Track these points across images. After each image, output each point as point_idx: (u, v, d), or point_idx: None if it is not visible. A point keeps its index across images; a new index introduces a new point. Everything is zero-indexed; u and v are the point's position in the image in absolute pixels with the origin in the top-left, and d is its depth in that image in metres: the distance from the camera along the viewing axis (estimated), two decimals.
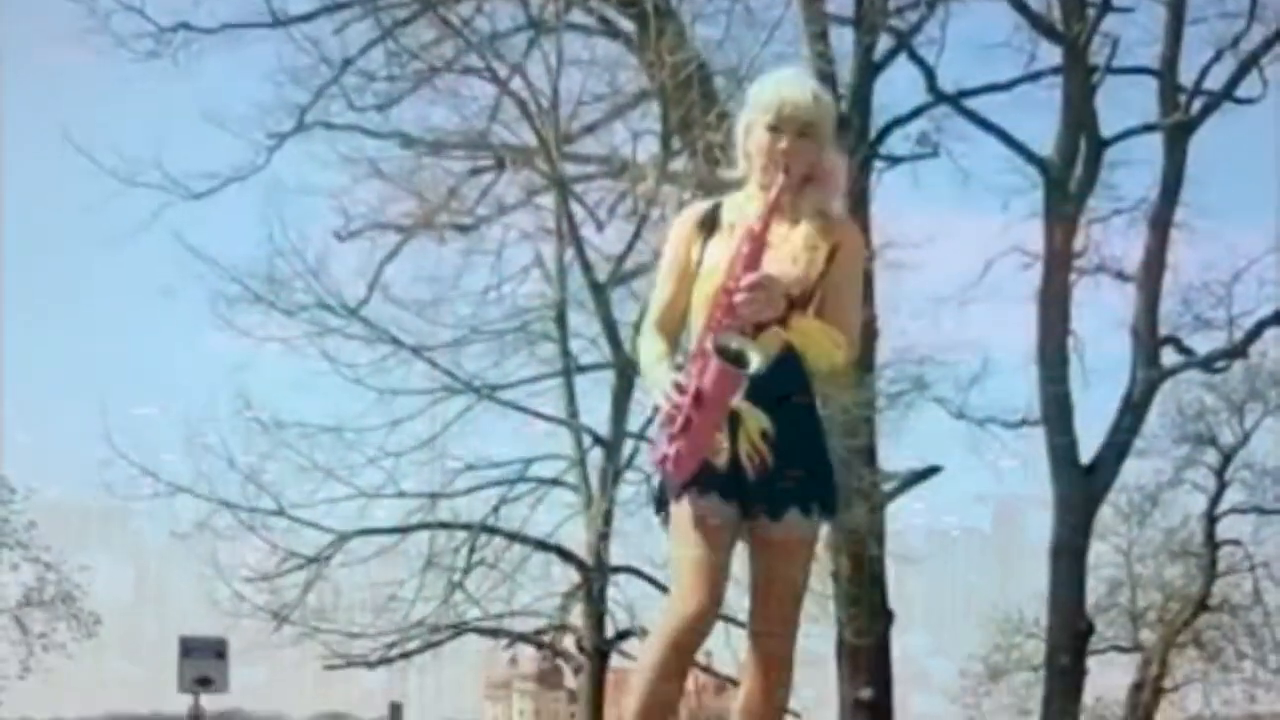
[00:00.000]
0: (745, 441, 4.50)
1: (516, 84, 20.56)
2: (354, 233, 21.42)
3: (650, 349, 4.66)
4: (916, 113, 25.13)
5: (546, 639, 21.27)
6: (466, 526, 20.74)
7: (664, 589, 20.48)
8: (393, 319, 20.66)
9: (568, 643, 21.45)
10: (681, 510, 4.54)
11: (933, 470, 24.07)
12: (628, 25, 21.42)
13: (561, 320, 20.56)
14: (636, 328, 16.78)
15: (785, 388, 4.53)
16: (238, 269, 20.45)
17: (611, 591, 20.54)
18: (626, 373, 19.59)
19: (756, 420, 4.49)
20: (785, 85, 4.65)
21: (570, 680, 26.26)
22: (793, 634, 4.70)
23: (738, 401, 4.43)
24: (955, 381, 24.98)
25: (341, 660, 20.63)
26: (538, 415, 20.92)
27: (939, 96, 24.88)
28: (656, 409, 4.51)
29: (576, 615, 20.65)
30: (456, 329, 20.80)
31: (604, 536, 20.10)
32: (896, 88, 25.31)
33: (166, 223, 21.07)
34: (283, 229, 20.27)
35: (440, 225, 21.14)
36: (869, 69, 24.40)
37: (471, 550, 20.50)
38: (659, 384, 4.49)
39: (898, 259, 23.34)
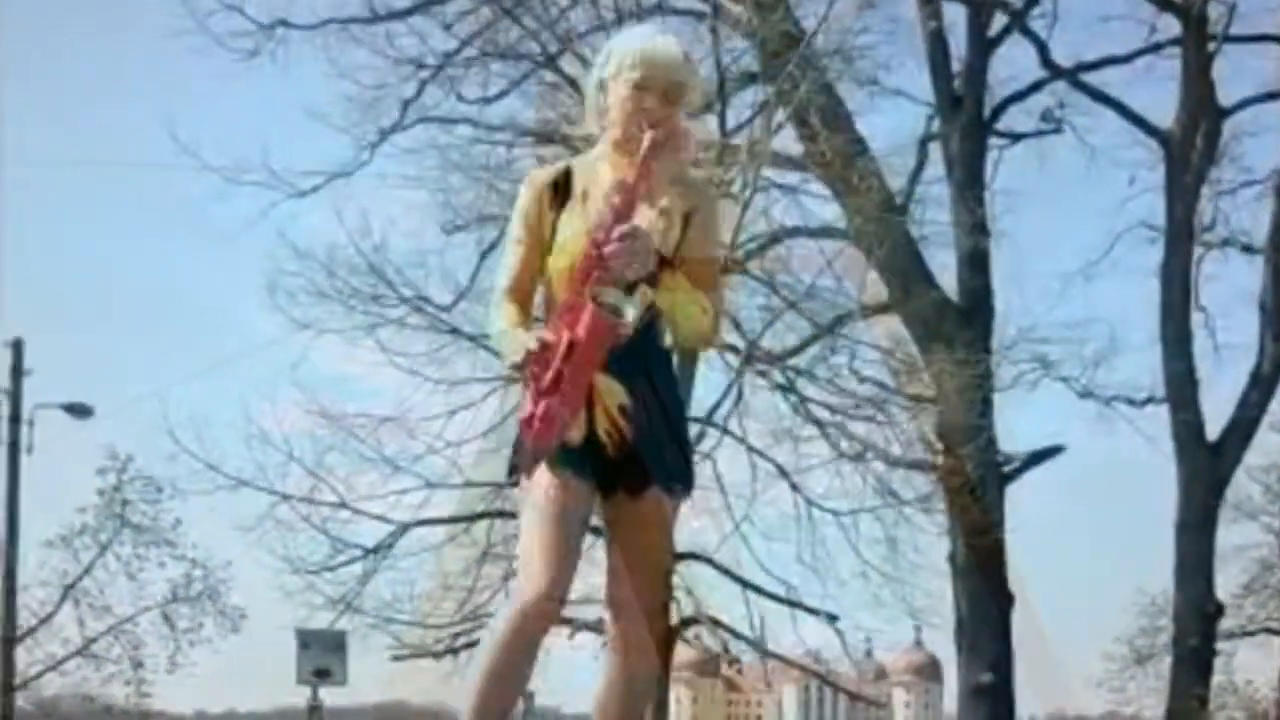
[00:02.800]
0: (603, 417, 4.29)
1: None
2: (459, 226, 21.51)
3: (503, 315, 4.36)
4: (1034, 88, 24.87)
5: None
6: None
7: (731, 575, 20.69)
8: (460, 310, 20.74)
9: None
10: (534, 486, 4.28)
11: (1055, 450, 23.77)
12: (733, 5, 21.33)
13: None
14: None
15: (643, 361, 4.32)
16: (335, 263, 20.58)
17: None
18: (690, 353, 19.60)
19: (614, 395, 4.29)
20: (654, 43, 4.44)
21: (726, 668, 25.97)
22: (653, 615, 4.48)
23: (596, 376, 4.20)
24: (1080, 360, 24.49)
25: (407, 650, 20.80)
26: None
27: (1054, 71, 24.55)
28: (516, 367, 4.19)
29: None
30: None
31: None
32: (1015, 64, 25.05)
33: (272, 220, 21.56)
34: (383, 224, 20.46)
35: None
36: (983, 45, 24.16)
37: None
38: (519, 343, 4.19)
39: (1020, 235, 22.85)
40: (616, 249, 4.12)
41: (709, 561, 20.79)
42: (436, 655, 20.91)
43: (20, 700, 28.07)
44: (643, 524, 4.37)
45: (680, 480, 4.43)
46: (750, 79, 21.77)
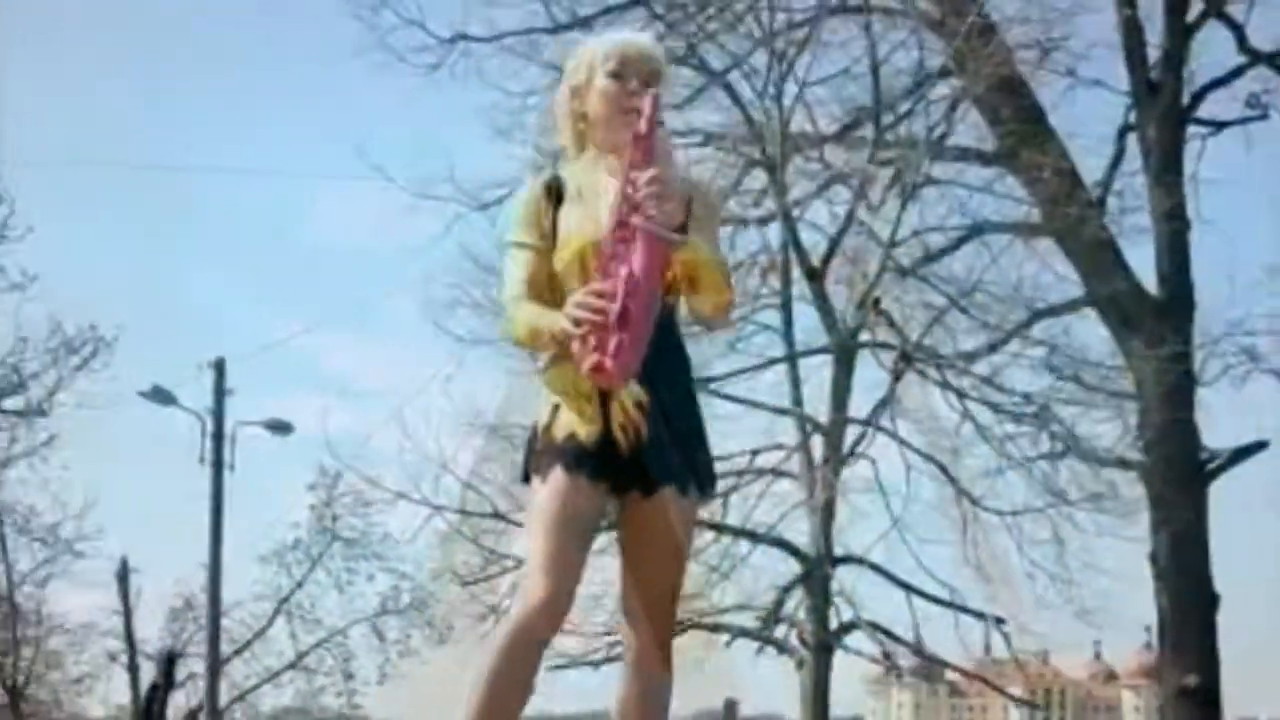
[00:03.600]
0: (619, 413, 4.22)
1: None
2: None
3: (530, 309, 4.28)
4: (1234, 74, 24.13)
5: (771, 634, 20.72)
6: None
7: (892, 578, 20.34)
8: None
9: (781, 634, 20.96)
10: (545, 488, 4.23)
11: (1260, 445, 22.99)
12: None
13: (787, 307, 20.21)
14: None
15: (660, 356, 4.22)
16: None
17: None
18: (844, 357, 19.35)
19: (631, 391, 4.21)
20: (623, 37, 4.48)
21: (950, 674, 25.55)
22: (669, 623, 4.37)
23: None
24: None
25: (564, 660, 20.81)
26: (758, 405, 20.63)
27: (1253, 56, 23.80)
28: (564, 331, 4.08)
29: (800, 608, 20.31)
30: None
31: (826, 525, 19.76)
32: (1214, 50, 24.33)
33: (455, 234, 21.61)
34: None
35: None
36: (1181, 31, 23.54)
37: None
38: (558, 317, 4.11)
39: (1226, 225, 22.23)
40: (649, 192, 4.08)
41: (868, 564, 20.56)
42: (595, 664, 20.97)
43: (238, 714, 28.78)
44: (655, 525, 4.27)
45: (697, 482, 4.35)
46: (943, 74, 21.49)
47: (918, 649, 20.73)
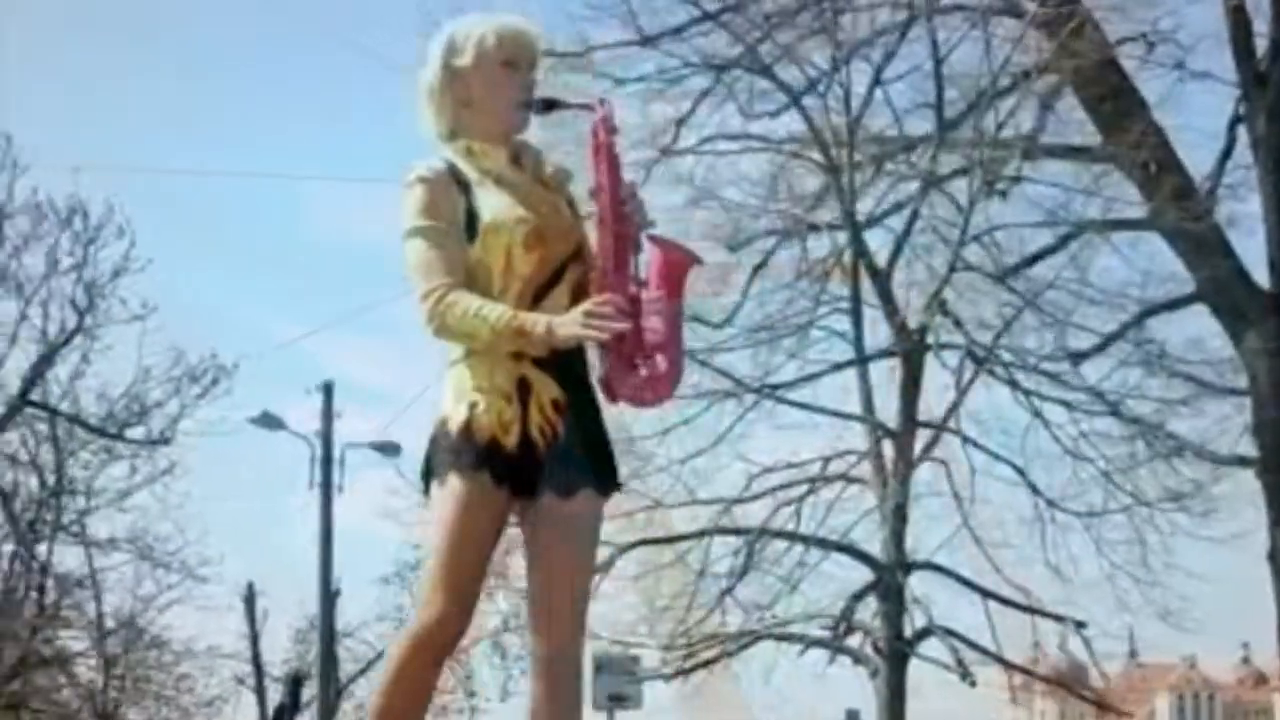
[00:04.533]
0: (536, 413, 4.09)
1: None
2: (743, 243, 21.25)
3: (493, 304, 4.04)
4: None
5: (846, 643, 20.38)
6: (745, 531, 20.33)
7: (966, 583, 19.96)
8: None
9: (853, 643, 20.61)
10: (459, 494, 4.06)
11: None
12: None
13: (856, 311, 19.96)
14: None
15: (571, 357, 4.15)
16: None
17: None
18: (913, 360, 19.06)
19: (547, 389, 4.11)
20: (505, 19, 4.31)
21: (1096, 679, 25.15)
22: (580, 628, 4.20)
23: (528, 369, 4.08)
24: None
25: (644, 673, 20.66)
26: (823, 411, 20.43)
27: None
28: (575, 337, 3.98)
29: (873, 616, 20.00)
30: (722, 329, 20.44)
31: (898, 531, 19.45)
32: None
33: None
34: None
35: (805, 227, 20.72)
36: None
37: (750, 555, 20.07)
38: (548, 319, 3.97)
39: None
40: (634, 205, 4.08)
41: (942, 569, 20.25)
42: (666, 678, 20.85)
43: None
44: (572, 527, 4.13)
45: (611, 484, 4.24)
46: (1039, 71, 21.13)
47: (997, 655, 20.29)
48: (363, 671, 28.46)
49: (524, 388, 4.10)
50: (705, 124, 21.02)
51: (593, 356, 4.17)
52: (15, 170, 25.91)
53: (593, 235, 4.17)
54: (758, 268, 20.86)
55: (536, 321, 3.97)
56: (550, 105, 4.23)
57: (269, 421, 24.76)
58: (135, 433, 26.49)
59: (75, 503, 25.92)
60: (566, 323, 3.95)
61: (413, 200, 4.15)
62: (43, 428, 26.14)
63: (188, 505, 25.80)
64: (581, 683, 4.23)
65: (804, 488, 20.51)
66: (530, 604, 4.19)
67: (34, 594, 25.29)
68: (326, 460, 24.89)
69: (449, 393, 4.14)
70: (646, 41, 20.95)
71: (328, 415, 25.26)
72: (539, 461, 4.10)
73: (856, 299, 19.98)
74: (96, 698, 26.13)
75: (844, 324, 20.23)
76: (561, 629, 4.13)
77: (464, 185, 4.17)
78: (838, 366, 20.34)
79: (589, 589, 4.26)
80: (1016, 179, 20.92)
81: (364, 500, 24.69)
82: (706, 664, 20.64)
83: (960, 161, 20.14)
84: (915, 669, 19.80)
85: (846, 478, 20.50)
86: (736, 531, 20.37)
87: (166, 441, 26.41)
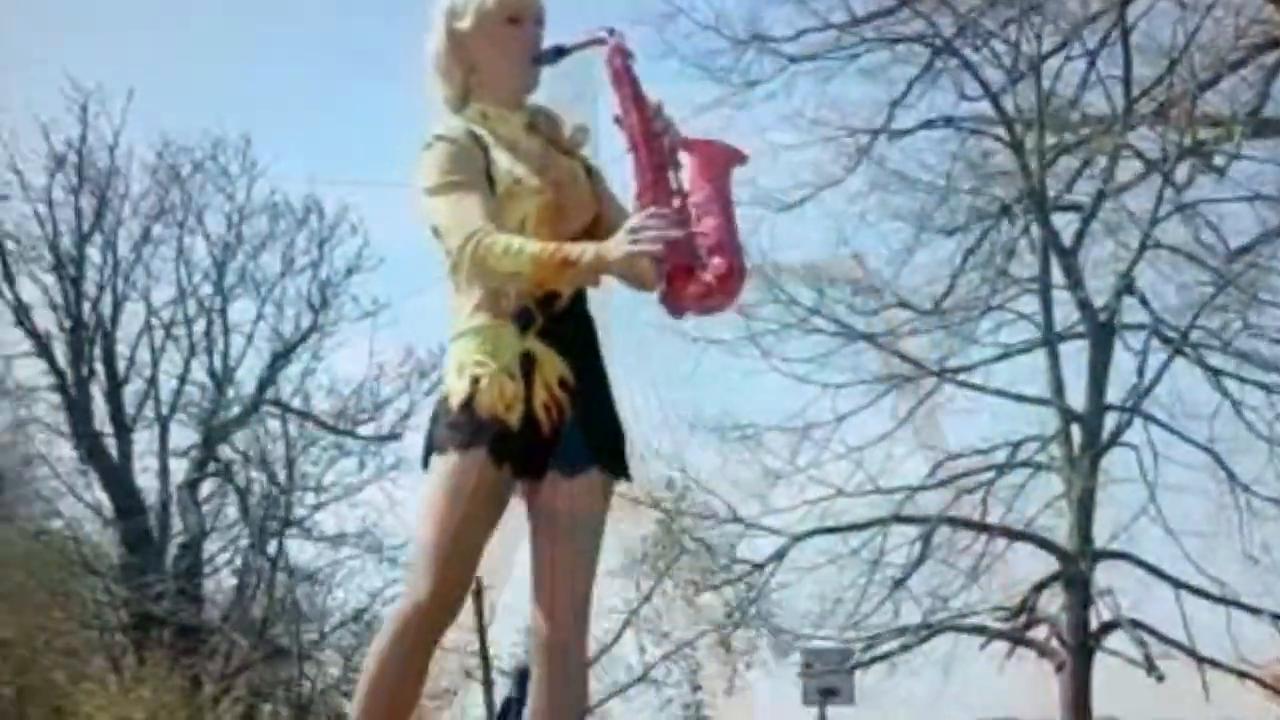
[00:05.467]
0: (542, 390, 3.90)
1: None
2: (958, 227, 20.82)
3: (530, 241, 3.81)
4: None
5: (1032, 636, 19.69)
6: (923, 520, 19.74)
7: (1159, 573, 19.11)
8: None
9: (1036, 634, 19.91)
10: (441, 470, 3.89)
11: None
12: None
13: (1045, 292, 19.32)
14: None
15: (581, 328, 3.99)
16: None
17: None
18: (1103, 342, 18.34)
19: (554, 366, 3.92)
20: None
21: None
22: (585, 617, 3.99)
23: (533, 343, 3.91)
24: None
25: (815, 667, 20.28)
26: (1008, 395, 19.81)
27: None
28: (627, 256, 3.72)
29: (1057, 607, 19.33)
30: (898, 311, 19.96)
31: (1085, 519, 18.82)
32: None
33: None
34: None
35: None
36: None
37: (926, 544, 19.49)
38: (591, 246, 3.75)
39: None
40: (663, 122, 3.87)
41: (1131, 559, 19.46)
42: (848, 671, 20.38)
43: None
44: (578, 508, 3.96)
45: (621, 461, 4.04)
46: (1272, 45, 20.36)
47: (1190, 649, 19.40)
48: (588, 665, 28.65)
49: (529, 363, 3.92)
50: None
51: (602, 326, 4.04)
52: (254, 172, 26.78)
53: (627, 192, 3.97)
54: (970, 251, 20.45)
55: (585, 250, 3.75)
56: (560, 52, 4.03)
57: None
58: (366, 429, 27.12)
59: (306, 499, 26.57)
60: (614, 246, 3.72)
61: (433, 158, 3.96)
62: (274, 425, 26.90)
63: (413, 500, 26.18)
64: (586, 668, 4.08)
65: (986, 475, 19.97)
66: (533, 586, 4.01)
67: (266, 588, 25.98)
68: None
69: (451, 367, 3.96)
70: (857, 23, 20.70)
71: None
72: (544, 441, 3.92)
73: (1046, 279, 19.45)
74: (336, 689, 26.75)
75: (1026, 305, 19.71)
76: (564, 612, 3.97)
77: (484, 147, 3.98)
78: (1023, 349, 19.77)
79: (594, 572, 4.05)
80: (1236, 156, 20.16)
81: None
82: (885, 657, 20.26)
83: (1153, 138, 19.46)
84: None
85: (1031, 464, 19.95)
86: (914, 520, 19.92)
87: (397, 437, 26.95)
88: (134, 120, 26.69)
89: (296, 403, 26.95)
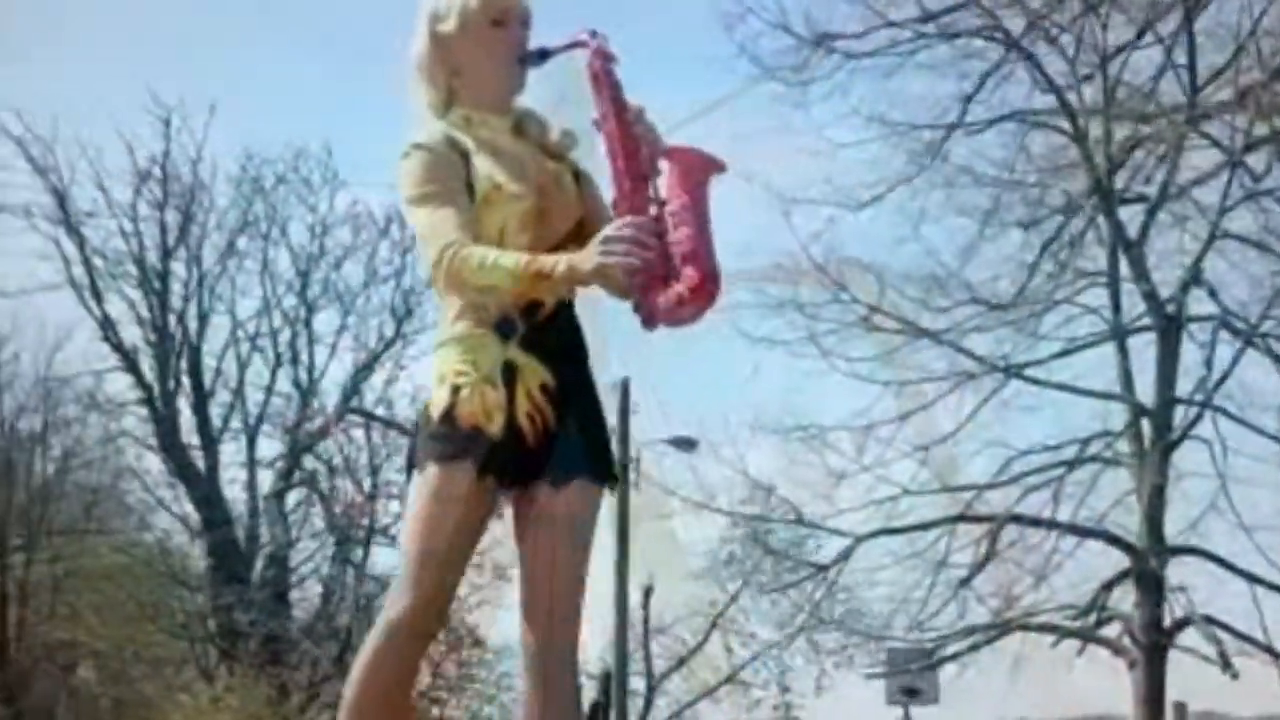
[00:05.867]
0: (524, 399, 3.85)
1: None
2: (1036, 221, 20.56)
3: (504, 252, 3.77)
4: None
5: (1104, 634, 19.35)
6: (989, 519, 19.44)
7: (1235, 569, 18.68)
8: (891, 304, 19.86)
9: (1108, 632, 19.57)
10: (422, 483, 3.85)
11: None
12: None
13: (1114, 284, 19.02)
14: None
15: (565, 336, 3.94)
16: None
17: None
18: (1171, 335, 18.07)
19: (536, 374, 3.87)
20: None
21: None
22: (574, 622, 3.93)
23: (515, 352, 3.85)
24: None
25: (882, 668, 20.08)
26: (1076, 391, 19.49)
27: None
28: (599, 268, 3.65)
29: (1130, 604, 19.00)
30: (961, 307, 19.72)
31: (1156, 514, 18.53)
32: None
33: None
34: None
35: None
36: None
37: (993, 543, 19.23)
38: (566, 257, 3.69)
39: None
40: (643, 127, 3.82)
41: (1205, 554, 19.16)
42: (913, 671, 20.16)
43: None
44: (565, 518, 3.90)
45: (608, 470, 3.99)
46: None
47: (1265, 645, 18.98)
48: (675, 668, 28.59)
49: (510, 372, 3.87)
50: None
51: (590, 328, 3.99)
52: (336, 183, 27.00)
53: (607, 196, 3.91)
54: (1046, 244, 20.18)
55: (557, 262, 3.70)
56: (544, 55, 3.98)
57: None
58: None
59: (390, 506, 26.71)
60: (587, 256, 3.67)
61: (410, 168, 3.91)
62: (358, 434, 27.08)
63: None
64: (576, 678, 4.03)
65: (1055, 472, 19.69)
66: (522, 596, 3.95)
67: (351, 596, 26.17)
68: (623, 458, 25.03)
69: (433, 378, 3.91)
70: (930, 18, 20.51)
71: (624, 413, 25.43)
72: (530, 450, 3.87)
73: (1114, 272, 19.18)
74: (424, 696, 26.91)
75: (1093, 299, 19.46)
76: (553, 622, 3.90)
77: (463, 154, 3.93)
78: (1090, 343, 19.55)
79: (584, 581, 4.00)
80: None
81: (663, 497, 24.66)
82: (955, 656, 20.09)
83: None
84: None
85: (1100, 459, 19.67)
86: (980, 519, 19.68)
87: None
88: (216, 134, 27.08)
89: (380, 411, 27.13)
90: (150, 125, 26.76)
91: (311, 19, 38.18)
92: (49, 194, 26.55)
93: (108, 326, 26.83)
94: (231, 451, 27.07)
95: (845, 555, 19.93)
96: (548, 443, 3.87)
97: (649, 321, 3.79)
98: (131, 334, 26.91)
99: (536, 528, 3.91)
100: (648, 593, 27.96)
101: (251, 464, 27.06)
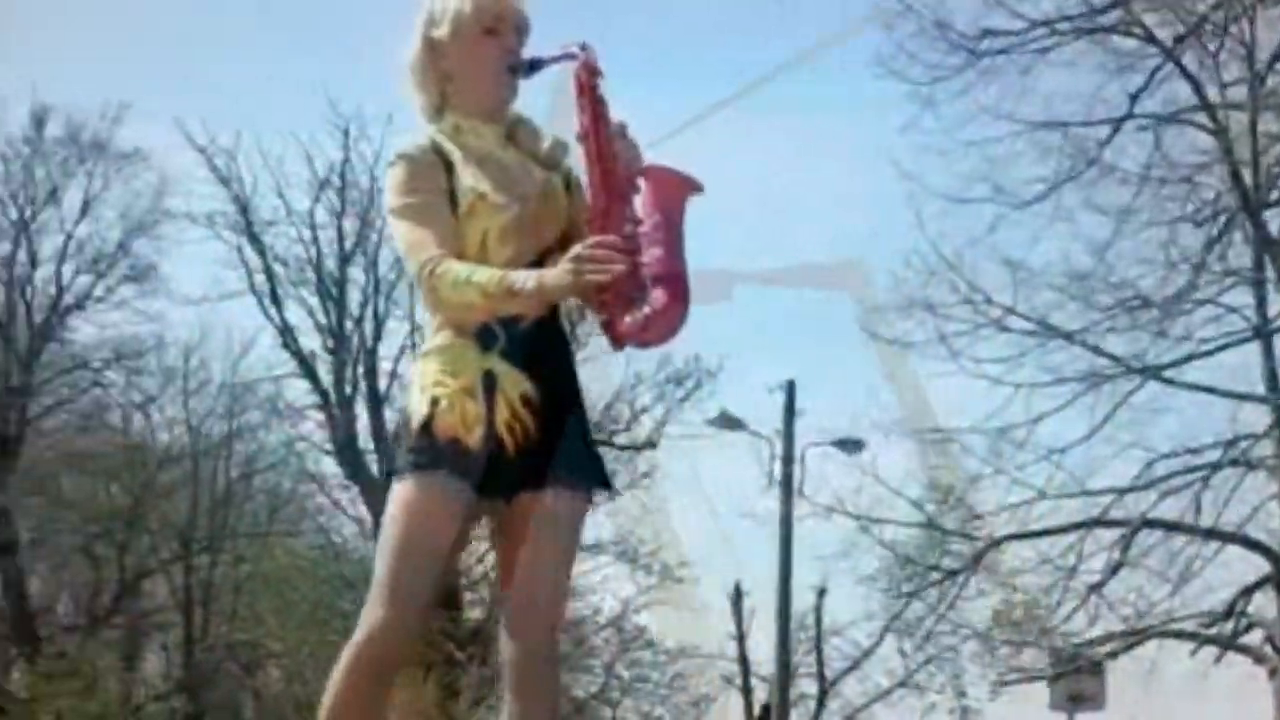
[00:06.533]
0: (504, 409, 3.86)
1: None
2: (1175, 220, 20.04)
3: (482, 268, 3.81)
4: None
5: (1234, 641, 18.69)
6: (1123, 524, 18.90)
7: None
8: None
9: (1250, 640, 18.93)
10: (399, 494, 3.85)
11: None
12: None
13: (1260, 281, 18.45)
14: None
15: (548, 345, 3.94)
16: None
17: None
18: None
19: (516, 383, 3.88)
20: None
21: None
22: (558, 628, 3.96)
23: (495, 362, 3.87)
24: None
25: (1015, 675, 19.60)
26: (1216, 393, 18.97)
27: None
28: (573, 285, 3.72)
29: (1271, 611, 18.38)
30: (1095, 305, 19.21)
31: None
32: None
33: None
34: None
35: None
36: None
37: (1126, 548, 18.62)
38: (542, 273, 3.75)
39: None
40: (624, 145, 3.86)
41: None
42: (1050, 680, 19.90)
43: None
44: (545, 525, 3.90)
45: (590, 478, 4.02)
46: None
47: None
48: (849, 670, 28.35)
49: (490, 382, 3.88)
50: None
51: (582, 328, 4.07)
52: None
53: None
54: (1212, 242, 19.64)
55: (527, 278, 3.76)
56: (535, 66, 4.01)
57: (728, 422, 25.02)
58: (621, 438, 27.34)
59: None
60: (558, 273, 3.73)
61: (393, 179, 3.97)
62: None
63: (665, 508, 26.36)
64: (558, 682, 4.04)
65: (1195, 475, 19.16)
66: (504, 605, 3.99)
67: None
68: (788, 459, 24.92)
69: (414, 388, 3.95)
70: (1096, 13, 20.08)
71: (789, 414, 25.31)
72: (510, 460, 3.88)
73: (1260, 271, 18.59)
74: (598, 698, 27.10)
75: (1234, 299, 18.90)
76: (537, 632, 3.92)
77: (448, 164, 3.95)
78: (1232, 343, 18.97)
79: (567, 590, 4.07)
80: None
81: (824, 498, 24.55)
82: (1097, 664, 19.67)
83: None
84: None
85: (1242, 462, 19.13)
86: (1114, 524, 19.21)
87: (653, 446, 27.13)
88: (393, 143, 27.43)
89: None
90: (329, 135, 27.24)
91: None
92: (232, 203, 27.30)
93: (287, 333, 27.39)
94: None
95: (978, 558, 19.61)
96: (529, 453, 3.88)
97: (616, 342, 3.83)
98: (310, 340, 27.44)
99: (519, 537, 3.92)
100: (821, 594, 27.77)
101: None
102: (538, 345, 3.89)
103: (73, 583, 29.50)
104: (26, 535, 28.55)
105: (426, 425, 3.87)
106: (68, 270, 29.69)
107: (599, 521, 26.77)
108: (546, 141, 4.07)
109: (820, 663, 28.07)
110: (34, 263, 29.75)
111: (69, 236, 29.55)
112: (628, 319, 3.75)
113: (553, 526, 3.91)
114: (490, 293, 3.76)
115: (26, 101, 29.20)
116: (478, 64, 3.99)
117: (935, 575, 20.67)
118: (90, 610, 28.00)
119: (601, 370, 26.76)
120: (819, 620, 27.92)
